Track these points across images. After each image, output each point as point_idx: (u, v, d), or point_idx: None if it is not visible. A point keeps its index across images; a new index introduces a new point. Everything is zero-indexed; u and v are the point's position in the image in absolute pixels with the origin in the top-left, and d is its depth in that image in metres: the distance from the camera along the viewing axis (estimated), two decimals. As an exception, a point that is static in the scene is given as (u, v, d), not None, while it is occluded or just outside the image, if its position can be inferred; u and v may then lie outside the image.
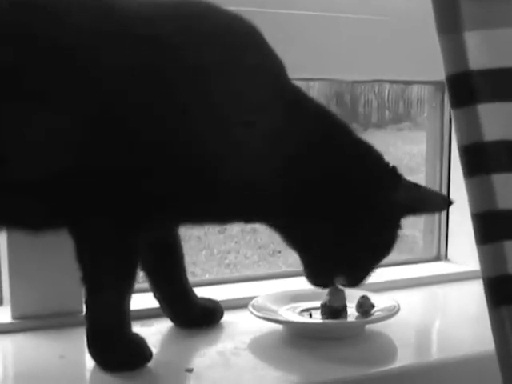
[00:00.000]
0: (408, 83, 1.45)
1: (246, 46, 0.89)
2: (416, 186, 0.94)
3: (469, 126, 0.74)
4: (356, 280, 0.97)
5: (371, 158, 0.94)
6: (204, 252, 2.34)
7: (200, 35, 0.85)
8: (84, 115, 0.80)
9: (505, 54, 0.71)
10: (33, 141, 0.79)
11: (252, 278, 1.22)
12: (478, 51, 0.72)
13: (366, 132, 3.33)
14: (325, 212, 0.91)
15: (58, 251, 0.94)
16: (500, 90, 0.72)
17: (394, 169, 0.94)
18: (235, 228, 2.26)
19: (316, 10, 1.17)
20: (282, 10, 1.14)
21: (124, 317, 0.88)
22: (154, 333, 0.99)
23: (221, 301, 1.06)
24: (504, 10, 0.70)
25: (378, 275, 1.25)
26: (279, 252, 2.44)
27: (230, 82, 0.85)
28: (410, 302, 1.15)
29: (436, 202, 0.95)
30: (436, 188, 1.34)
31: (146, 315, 1.03)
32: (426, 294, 1.25)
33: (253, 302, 1.02)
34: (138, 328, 0.96)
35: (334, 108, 2.35)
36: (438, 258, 1.37)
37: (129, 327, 0.88)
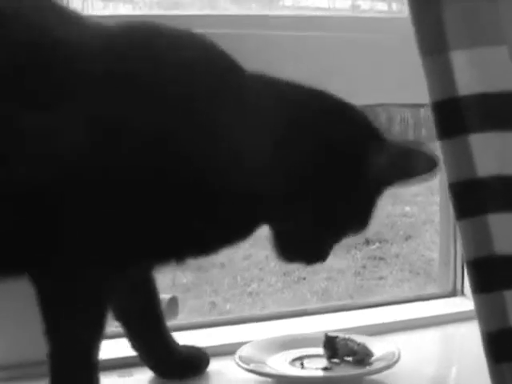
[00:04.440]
0: (417, 106, 1.37)
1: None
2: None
3: (459, 160, 0.65)
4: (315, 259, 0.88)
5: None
6: (227, 280, 2.30)
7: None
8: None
9: (497, 77, 0.62)
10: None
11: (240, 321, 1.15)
12: (467, 73, 0.63)
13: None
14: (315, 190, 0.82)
15: (24, 298, 0.87)
16: (493, 118, 0.64)
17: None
18: (260, 254, 2.21)
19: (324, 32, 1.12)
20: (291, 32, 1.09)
21: (92, 370, 0.81)
22: (133, 384, 0.93)
23: (206, 347, 0.98)
24: (493, 26, 0.61)
25: (386, 314, 1.18)
26: (304, 279, 2.38)
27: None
28: (419, 345, 1.06)
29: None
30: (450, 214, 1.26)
31: (125, 364, 0.96)
32: (438, 334, 1.15)
33: (239, 351, 0.94)
34: (114, 378, 0.91)
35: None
36: (453, 293, 1.27)
37: (97, 382, 0.81)
